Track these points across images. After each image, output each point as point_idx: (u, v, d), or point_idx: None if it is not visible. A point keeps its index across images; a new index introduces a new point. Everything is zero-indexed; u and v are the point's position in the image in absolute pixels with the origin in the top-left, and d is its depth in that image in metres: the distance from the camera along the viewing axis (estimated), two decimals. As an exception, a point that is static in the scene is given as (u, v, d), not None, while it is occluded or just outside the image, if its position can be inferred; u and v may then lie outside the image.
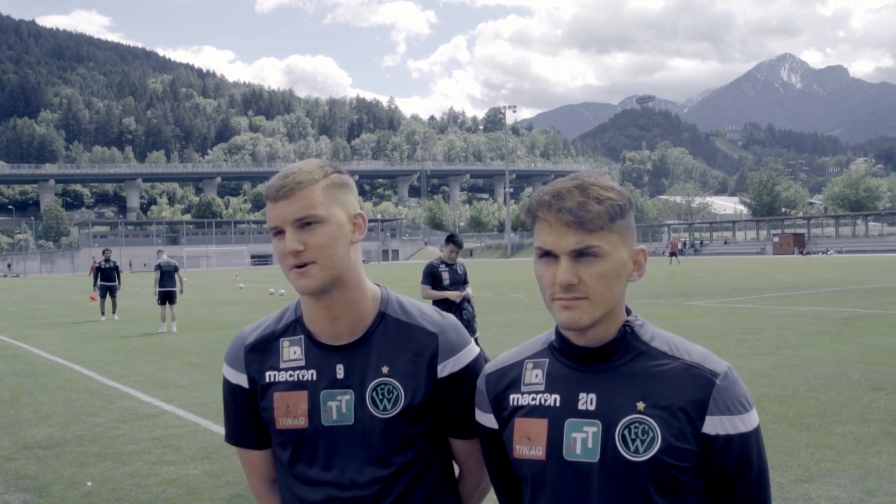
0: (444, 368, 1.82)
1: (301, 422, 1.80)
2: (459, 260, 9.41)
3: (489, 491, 2.04)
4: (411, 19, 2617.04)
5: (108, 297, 23.29)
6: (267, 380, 1.84)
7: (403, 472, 1.80)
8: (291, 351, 1.84)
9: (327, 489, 1.79)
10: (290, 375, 1.82)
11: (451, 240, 9.31)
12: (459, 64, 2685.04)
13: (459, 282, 9.26)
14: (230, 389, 1.91)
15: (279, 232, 1.72)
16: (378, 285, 1.91)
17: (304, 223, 1.70)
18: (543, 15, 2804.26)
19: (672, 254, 62.05)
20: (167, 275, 19.64)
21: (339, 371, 1.80)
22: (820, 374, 10.05)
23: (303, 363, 1.82)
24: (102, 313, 23.10)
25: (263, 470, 1.96)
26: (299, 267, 1.71)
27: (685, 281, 34.07)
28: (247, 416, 1.90)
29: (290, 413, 1.80)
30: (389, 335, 1.83)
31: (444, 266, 9.22)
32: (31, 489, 6.27)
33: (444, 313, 1.93)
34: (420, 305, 1.91)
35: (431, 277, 9.17)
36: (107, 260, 23.38)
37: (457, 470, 2.01)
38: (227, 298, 32.01)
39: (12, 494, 6.16)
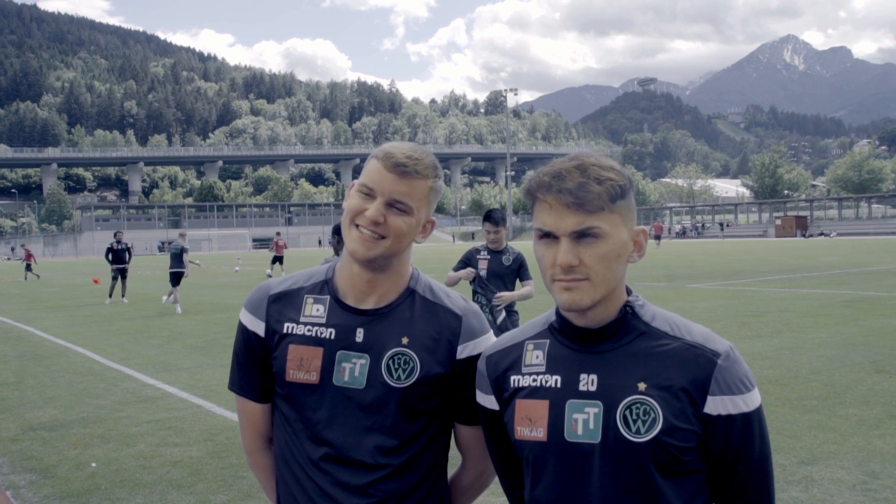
0: (464, 351, 1.84)
1: (312, 377, 1.81)
2: (513, 247, 7.31)
3: (489, 485, 2.03)
4: (410, 2, 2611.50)
5: (119, 280, 23.20)
6: (284, 330, 1.86)
7: (404, 446, 1.80)
8: (314, 308, 1.86)
9: (326, 449, 1.79)
10: (309, 330, 1.84)
11: (485, 216, 7.30)
12: (458, 47, 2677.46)
13: (503, 276, 7.15)
14: (245, 336, 1.92)
15: (369, 194, 1.76)
16: (411, 265, 1.93)
17: (397, 206, 1.74)
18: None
19: (657, 237, 62.23)
20: (173, 257, 19.87)
21: (359, 335, 1.82)
22: (822, 356, 10.05)
23: (323, 321, 1.84)
24: (110, 295, 22.96)
25: (259, 425, 1.96)
26: (366, 233, 1.74)
27: (686, 264, 34.05)
28: (255, 365, 1.91)
29: (302, 367, 1.82)
30: (414, 310, 1.85)
31: (485, 252, 7.27)
32: (36, 470, 6.30)
33: (469, 300, 1.93)
34: (447, 290, 1.94)
35: (463, 264, 7.38)
36: (118, 242, 23.41)
37: (451, 467, 1.99)
38: (229, 282, 32.02)
39: (18, 475, 6.19)
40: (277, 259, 32.87)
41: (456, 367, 1.84)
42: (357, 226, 1.76)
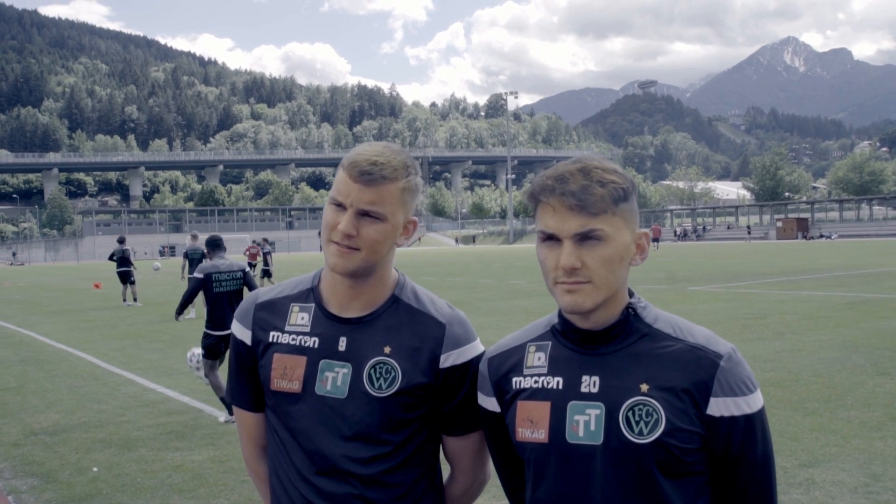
0: (447, 359, 1.81)
1: (295, 386, 1.80)
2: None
3: (479, 495, 2.01)
4: (408, 6, 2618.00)
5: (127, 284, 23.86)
6: (270, 339, 1.85)
7: (388, 456, 1.78)
8: (299, 316, 1.85)
9: (310, 459, 1.78)
10: (293, 339, 1.83)
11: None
12: (457, 51, 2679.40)
13: None
14: (235, 345, 1.93)
15: (340, 206, 1.72)
16: (396, 270, 1.90)
17: (369, 215, 1.71)
18: (539, 1, 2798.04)
19: (655, 239, 62.24)
20: (195, 262, 19.80)
21: (342, 343, 1.80)
22: (824, 358, 10.04)
23: (307, 329, 1.83)
24: (124, 299, 23.66)
25: (254, 434, 1.96)
26: (342, 246, 1.71)
27: (687, 266, 34.04)
28: (246, 374, 1.91)
29: (285, 376, 1.81)
30: (398, 318, 1.83)
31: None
32: (37, 475, 6.30)
33: (455, 307, 1.90)
34: (433, 297, 1.91)
35: None
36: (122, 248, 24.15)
37: (446, 474, 1.98)
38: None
39: (20, 480, 6.19)
40: (251, 266, 33.60)
41: (439, 376, 1.80)
42: (334, 241, 1.73)
